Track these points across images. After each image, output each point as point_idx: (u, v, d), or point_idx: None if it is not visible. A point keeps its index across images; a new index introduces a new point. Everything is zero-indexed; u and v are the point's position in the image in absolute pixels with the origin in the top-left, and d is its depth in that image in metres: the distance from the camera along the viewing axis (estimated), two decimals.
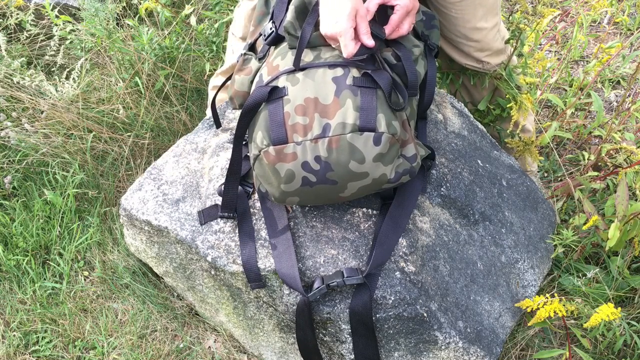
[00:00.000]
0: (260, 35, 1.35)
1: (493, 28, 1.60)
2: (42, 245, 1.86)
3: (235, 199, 1.35)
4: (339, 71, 1.17)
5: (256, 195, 1.39)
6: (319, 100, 1.14)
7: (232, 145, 1.48)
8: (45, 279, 1.80)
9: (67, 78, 2.10)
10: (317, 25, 1.24)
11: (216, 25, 2.14)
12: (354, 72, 1.17)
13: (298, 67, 1.20)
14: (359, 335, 1.29)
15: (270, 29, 1.30)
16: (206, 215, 1.40)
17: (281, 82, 1.19)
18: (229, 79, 1.44)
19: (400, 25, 1.25)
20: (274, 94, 1.17)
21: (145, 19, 2.26)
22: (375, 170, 1.16)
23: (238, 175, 1.33)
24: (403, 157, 1.21)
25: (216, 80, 1.81)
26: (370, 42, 1.18)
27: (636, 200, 1.51)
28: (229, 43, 1.75)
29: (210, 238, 1.39)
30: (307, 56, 1.23)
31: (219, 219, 1.40)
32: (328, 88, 1.15)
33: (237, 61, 1.38)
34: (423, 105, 1.42)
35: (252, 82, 1.30)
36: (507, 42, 1.67)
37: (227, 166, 1.46)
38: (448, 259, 1.41)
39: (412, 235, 1.36)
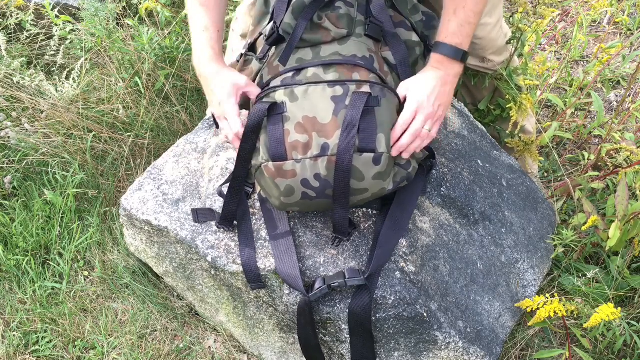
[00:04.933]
0: (261, 35, 1.35)
1: (496, 24, 1.60)
2: (42, 245, 1.86)
3: (234, 213, 1.35)
4: (339, 90, 1.16)
5: (256, 196, 1.39)
6: (317, 120, 1.14)
7: (232, 147, 1.48)
8: (45, 279, 1.80)
9: (67, 78, 2.10)
10: (312, 22, 1.25)
11: None
12: (353, 88, 1.16)
13: (284, 64, 1.21)
14: (357, 336, 1.29)
15: (272, 29, 1.30)
16: (200, 215, 1.40)
17: (279, 96, 1.18)
18: None
19: (412, 128, 1.18)
20: (273, 110, 1.17)
21: (145, 19, 2.26)
22: (374, 186, 1.17)
23: (239, 191, 1.31)
24: (398, 165, 1.22)
25: None
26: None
27: (636, 200, 1.51)
28: (230, 40, 1.75)
29: (210, 238, 1.39)
30: (307, 55, 1.23)
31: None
32: (326, 107, 1.15)
33: (237, 61, 1.38)
34: None
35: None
36: (508, 42, 1.67)
37: (227, 166, 1.46)
38: (448, 259, 1.41)
39: (412, 235, 1.36)
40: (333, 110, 1.14)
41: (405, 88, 1.22)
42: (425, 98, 1.19)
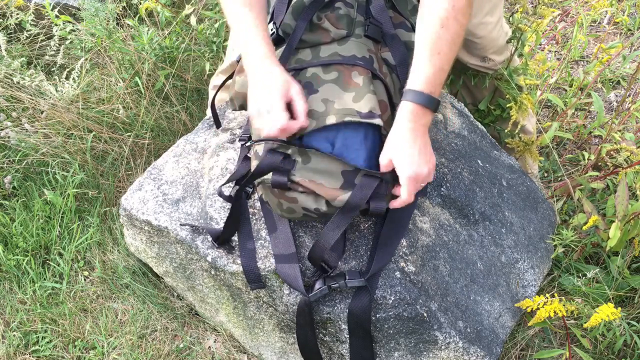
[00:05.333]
0: None
1: (497, 23, 1.60)
2: (42, 245, 1.86)
3: (230, 238, 1.38)
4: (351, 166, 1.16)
5: (256, 196, 1.39)
6: (323, 186, 1.15)
7: (232, 147, 1.49)
8: (45, 279, 1.80)
9: (67, 78, 2.10)
10: (311, 22, 1.24)
11: (216, 25, 2.14)
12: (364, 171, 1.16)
13: (284, 64, 1.21)
14: (356, 337, 1.29)
15: (271, 29, 1.29)
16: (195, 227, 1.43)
17: (292, 151, 1.17)
18: (229, 78, 1.44)
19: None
20: (283, 162, 1.16)
21: (145, 19, 2.26)
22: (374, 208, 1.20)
23: (236, 225, 1.36)
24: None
25: (217, 80, 1.80)
26: (306, 123, 1.15)
27: (636, 200, 1.51)
28: (230, 39, 1.74)
29: (210, 238, 1.39)
30: (307, 55, 1.23)
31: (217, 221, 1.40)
32: (336, 179, 1.15)
33: (237, 60, 1.38)
34: None
35: None
36: (508, 41, 1.68)
37: (227, 166, 1.46)
38: (448, 259, 1.41)
39: (412, 235, 1.36)
40: (341, 185, 1.15)
41: (388, 157, 1.16)
42: (419, 175, 1.16)
